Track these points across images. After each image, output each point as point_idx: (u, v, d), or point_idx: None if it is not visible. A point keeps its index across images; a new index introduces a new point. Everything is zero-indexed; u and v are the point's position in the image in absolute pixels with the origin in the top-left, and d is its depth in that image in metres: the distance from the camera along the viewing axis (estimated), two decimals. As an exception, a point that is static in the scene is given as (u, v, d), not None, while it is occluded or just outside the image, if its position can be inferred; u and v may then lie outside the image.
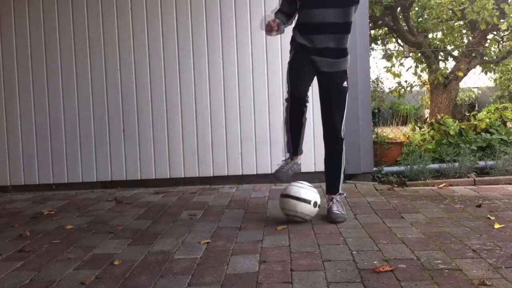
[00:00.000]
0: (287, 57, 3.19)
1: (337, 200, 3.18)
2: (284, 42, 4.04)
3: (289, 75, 3.10)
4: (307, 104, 3.07)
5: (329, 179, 3.24)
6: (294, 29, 3.13)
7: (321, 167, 3.45)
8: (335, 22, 2.98)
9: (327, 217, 3.12)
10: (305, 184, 3.14)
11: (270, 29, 2.98)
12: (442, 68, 9.24)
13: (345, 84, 3.09)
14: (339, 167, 3.19)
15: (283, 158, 3.27)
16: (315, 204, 3.08)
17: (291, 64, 3.12)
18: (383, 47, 10.36)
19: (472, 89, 13.31)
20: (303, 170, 4.25)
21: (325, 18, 2.98)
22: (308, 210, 3.06)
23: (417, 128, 6.35)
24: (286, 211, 3.10)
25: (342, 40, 3.05)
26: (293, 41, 3.13)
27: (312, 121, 4.00)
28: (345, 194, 3.39)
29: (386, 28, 9.91)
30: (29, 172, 4.62)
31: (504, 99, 12.63)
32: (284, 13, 3.10)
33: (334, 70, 3.07)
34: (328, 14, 2.97)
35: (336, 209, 3.12)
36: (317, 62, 3.05)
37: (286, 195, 3.09)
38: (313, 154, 4.37)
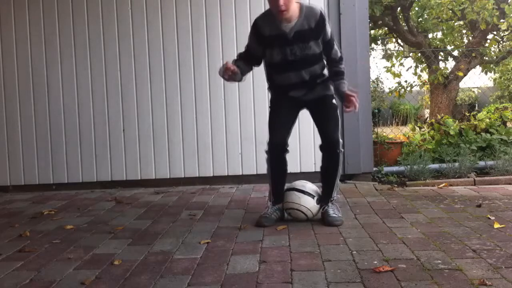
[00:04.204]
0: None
1: (332, 204, 3.13)
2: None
3: (269, 120, 3.15)
4: (288, 148, 3.10)
5: (325, 187, 3.17)
6: (268, 71, 3.13)
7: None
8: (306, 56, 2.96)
9: (323, 220, 3.06)
10: (309, 182, 3.22)
11: (226, 71, 2.95)
12: (442, 68, 9.24)
13: (333, 101, 3.10)
14: (335, 177, 3.12)
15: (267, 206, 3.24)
16: (318, 200, 3.10)
17: (271, 106, 3.17)
18: (383, 47, 10.37)
19: (472, 89, 13.33)
20: (303, 170, 4.31)
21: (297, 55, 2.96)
22: (311, 204, 3.09)
23: (417, 128, 6.35)
24: (290, 204, 3.11)
25: (317, 69, 3.04)
26: (270, 82, 3.15)
27: (312, 121, 3.98)
28: (339, 196, 3.36)
29: (386, 28, 9.92)
30: (29, 172, 4.62)
31: (504, 99, 12.65)
32: (243, 61, 3.09)
33: (318, 95, 3.07)
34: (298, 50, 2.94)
35: (332, 212, 3.07)
36: (300, 96, 3.06)
37: (290, 189, 3.15)
38: (313, 154, 4.37)
